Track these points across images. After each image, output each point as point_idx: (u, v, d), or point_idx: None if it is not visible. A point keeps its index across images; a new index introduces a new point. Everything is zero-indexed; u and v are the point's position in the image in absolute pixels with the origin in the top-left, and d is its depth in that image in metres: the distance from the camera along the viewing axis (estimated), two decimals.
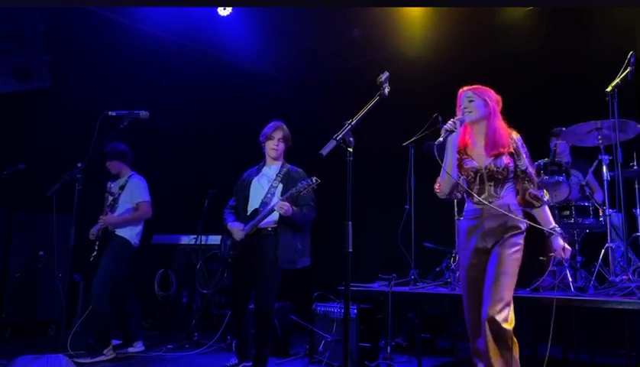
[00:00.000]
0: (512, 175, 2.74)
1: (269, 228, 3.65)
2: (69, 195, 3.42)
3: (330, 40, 6.78)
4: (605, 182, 3.83)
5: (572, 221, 3.99)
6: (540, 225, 2.80)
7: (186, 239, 6.12)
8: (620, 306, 3.03)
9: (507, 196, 2.74)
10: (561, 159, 4.27)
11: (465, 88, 2.87)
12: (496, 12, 5.80)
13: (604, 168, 3.82)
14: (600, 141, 3.82)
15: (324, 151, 2.22)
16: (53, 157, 4.90)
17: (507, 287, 2.58)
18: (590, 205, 4.01)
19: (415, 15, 6.13)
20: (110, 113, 3.49)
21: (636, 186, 4.09)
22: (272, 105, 7.09)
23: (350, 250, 2.28)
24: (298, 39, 6.78)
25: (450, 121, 2.73)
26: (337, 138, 2.27)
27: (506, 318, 2.53)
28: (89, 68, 5.93)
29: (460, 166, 2.84)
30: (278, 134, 3.81)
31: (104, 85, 5.87)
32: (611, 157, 3.72)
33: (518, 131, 2.87)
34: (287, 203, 3.51)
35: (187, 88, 6.59)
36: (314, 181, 3.49)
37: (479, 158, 2.79)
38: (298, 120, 7.13)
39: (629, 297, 3.11)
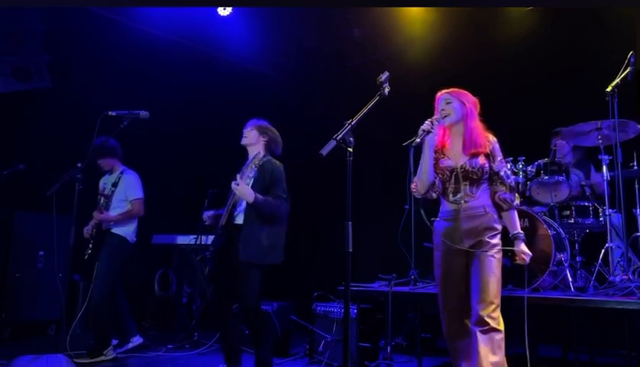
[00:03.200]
0: (486, 176, 2.77)
1: (242, 222, 3.45)
2: (69, 195, 3.42)
3: (330, 40, 6.78)
4: (605, 182, 3.83)
5: (572, 221, 4.00)
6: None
7: (186, 239, 6.12)
8: (620, 306, 3.03)
9: (482, 197, 2.77)
10: (562, 159, 4.27)
11: (442, 91, 2.90)
12: (496, 12, 5.80)
13: (604, 168, 3.82)
14: (600, 141, 3.83)
15: (324, 151, 2.22)
16: (53, 157, 4.90)
17: (495, 289, 2.63)
18: (590, 205, 4.01)
19: (415, 15, 6.13)
20: (110, 113, 3.48)
21: (636, 186, 4.09)
22: (272, 105, 7.09)
23: (350, 250, 2.28)
24: (298, 39, 6.77)
25: (427, 122, 2.75)
26: (337, 138, 2.27)
27: (497, 320, 2.59)
28: (89, 68, 5.92)
29: (436, 165, 2.86)
30: (247, 126, 3.69)
31: (104, 85, 5.86)
32: (611, 157, 3.73)
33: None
34: (241, 181, 3.31)
35: (187, 88, 6.59)
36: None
37: (455, 158, 2.82)
38: (297, 120, 7.17)
39: (629, 297, 3.11)
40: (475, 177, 2.75)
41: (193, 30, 6.28)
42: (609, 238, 3.68)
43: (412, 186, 2.93)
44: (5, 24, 5.53)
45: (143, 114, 3.54)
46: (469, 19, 5.80)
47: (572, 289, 3.61)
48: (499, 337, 2.57)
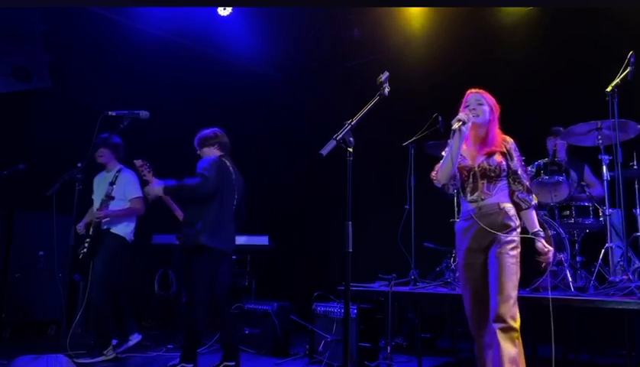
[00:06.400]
0: (504, 173, 2.80)
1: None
2: (69, 195, 3.42)
3: (330, 40, 6.78)
4: (605, 182, 3.83)
5: (572, 221, 4.00)
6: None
7: None
8: (620, 306, 3.03)
9: (498, 195, 2.79)
10: (558, 158, 4.27)
11: (474, 90, 2.92)
12: (496, 12, 5.80)
13: (604, 168, 3.82)
14: (600, 141, 3.83)
15: (324, 151, 2.22)
16: (53, 157, 4.90)
17: (511, 286, 2.64)
18: (590, 205, 4.01)
19: (415, 15, 6.14)
20: (110, 113, 3.48)
21: (636, 186, 4.09)
22: (271, 105, 7.10)
23: (350, 250, 2.28)
24: (298, 39, 6.78)
25: (462, 113, 2.77)
26: (337, 138, 2.26)
27: (514, 316, 2.61)
28: (89, 68, 5.92)
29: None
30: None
31: (104, 85, 5.86)
32: (611, 157, 3.72)
33: (517, 132, 2.92)
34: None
35: (187, 88, 6.59)
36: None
37: (471, 157, 2.86)
38: (297, 120, 7.17)
39: (629, 297, 3.11)
40: (493, 174, 2.78)
41: (193, 30, 6.28)
42: (609, 238, 3.68)
43: (432, 174, 2.91)
44: (5, 24, 5.52)
45: (144, 114, 3.53)
46: (468, 19, 5.80)
47: (572, 289, 3.61)
48: (516, 334, 2.60)
